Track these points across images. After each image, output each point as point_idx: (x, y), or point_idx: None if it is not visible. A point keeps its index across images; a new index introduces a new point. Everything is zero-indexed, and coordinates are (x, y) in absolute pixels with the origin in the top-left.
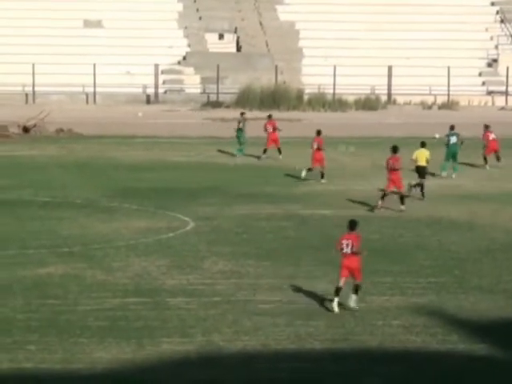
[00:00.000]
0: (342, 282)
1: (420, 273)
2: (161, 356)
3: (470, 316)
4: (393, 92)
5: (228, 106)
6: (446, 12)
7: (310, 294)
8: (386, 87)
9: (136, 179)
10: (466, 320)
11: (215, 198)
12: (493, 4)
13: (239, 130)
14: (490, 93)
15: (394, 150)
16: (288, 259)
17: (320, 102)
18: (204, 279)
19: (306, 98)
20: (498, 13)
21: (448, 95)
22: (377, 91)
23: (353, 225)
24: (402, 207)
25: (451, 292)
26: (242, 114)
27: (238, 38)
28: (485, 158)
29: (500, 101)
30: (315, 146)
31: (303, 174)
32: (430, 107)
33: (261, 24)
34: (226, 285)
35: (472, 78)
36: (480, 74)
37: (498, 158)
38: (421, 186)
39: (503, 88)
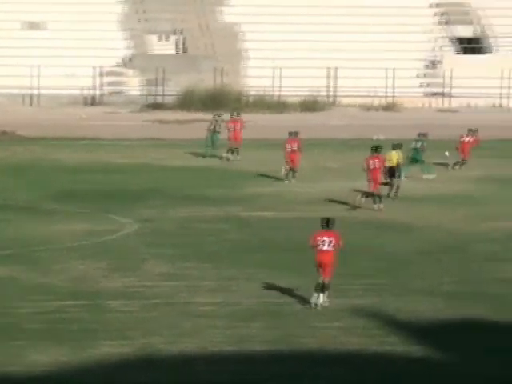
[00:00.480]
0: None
1: (362, 275)
2: (100, 358)
3: (408, 318)
4: (337, 94)
5: (170, 108)
6: (389, 14)
7: (251, 296)
8: (330, 89)
9: (79, 181)
10: (404, 322)
11: (157, 200)
12: (434, 6)
13: (213, 132)
14: (433, 94)
15: (376, 149)
16: (229, 261)
17: (264, 103)
18: (144, 281)
19: (250, 99)
20: (439, 15)
21: (391, 97)
22: (321, 93)
23: (330, 223)
24: (363, 200)
25: (392, 294)
26: (217, 115)
27: (181, 39)
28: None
29: (442, 102)
30: (292, 148)
31: (284, 175)
32: (371, 109)
33: (205, 26)
34: (166, 287)
35: (414, 80)
36: (422, 76)
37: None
38: (391, 185)
39: (445, 90)
